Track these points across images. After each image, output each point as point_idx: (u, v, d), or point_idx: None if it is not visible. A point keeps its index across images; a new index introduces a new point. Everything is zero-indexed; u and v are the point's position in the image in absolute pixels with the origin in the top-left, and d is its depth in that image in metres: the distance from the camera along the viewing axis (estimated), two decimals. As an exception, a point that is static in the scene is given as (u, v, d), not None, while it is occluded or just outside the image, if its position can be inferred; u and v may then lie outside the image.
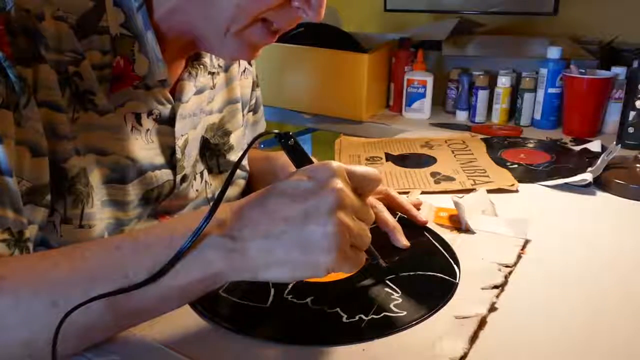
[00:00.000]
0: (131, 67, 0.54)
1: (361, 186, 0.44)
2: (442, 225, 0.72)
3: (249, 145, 0.47)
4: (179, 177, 0.63)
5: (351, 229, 0.41)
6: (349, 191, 0.42)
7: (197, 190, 0.68)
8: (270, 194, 0.43)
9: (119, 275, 0.41)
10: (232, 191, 0.75)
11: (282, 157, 0.79)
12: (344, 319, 0.50)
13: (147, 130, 0.59)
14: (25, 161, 0.47)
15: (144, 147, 0.59)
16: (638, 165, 0.89)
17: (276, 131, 0.47)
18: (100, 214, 0.56)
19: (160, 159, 0.61)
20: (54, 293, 0.40)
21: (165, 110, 0.60)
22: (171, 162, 0.62)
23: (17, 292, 0.40)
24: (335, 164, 0.43)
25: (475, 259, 0.62)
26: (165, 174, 0.61)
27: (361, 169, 0.45)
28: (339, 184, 0.42)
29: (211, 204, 0.42)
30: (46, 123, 0.49)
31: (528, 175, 0.93)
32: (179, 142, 0.62)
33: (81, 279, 0.41)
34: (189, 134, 0.64)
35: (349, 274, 0.57)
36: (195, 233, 0.41)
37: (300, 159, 0.47)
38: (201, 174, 0.69)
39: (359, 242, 0.43)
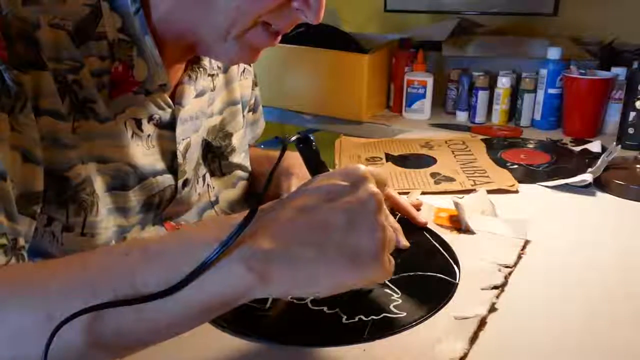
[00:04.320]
0: (130, 72, 0.54)
1: None
2: (442, 226, 0.72)
3: (280, 157, 0.41)
4: (180, 182, 0.63)
5: (389, 233, 0.39)
6: (382, 195, 0.40)
7: (199, 194, 0.68)
8: (303, 198, 0.39)
9: (126, 285, 0.35)
10: (233, 193, 0.75)
11: (285, 159, 0.78)
12: (344, 320, 0.50)
13: (148, 135, 0.58)
14: (16, 166, 0.47)
15: (145, 153, 0.58)
16: (638, 166, 0.89)
17: (297, 136, 0.45)
18: (106, 223, 0.55)
19: (161, 165, 0.60)
20: (49, 306, 0.35)
21: (166, 115, 0.60)
22: (172, 167, 0.62)
23: (5, 304, 0.35)
24: (363, 167, 0.41)
25: (475, 259, 0.62)
26: (166, 179, 0.61)
27: (375, 171, 0.43)
28: (374, 187, 0.39)
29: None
30: (48, 132, 0.49)
31: (528, 175, 0.93)
32: (180, 147, 0.62)
33: (81, 290, 0.35)
34: (191, 137, 0.64)
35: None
36: (226, 243, 0.35)
37: (317, 163, 0.46)
38: (203, 177, 0.69)
39: (390, 247, 0.41)
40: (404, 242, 0.64)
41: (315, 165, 0.46)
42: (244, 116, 0.76)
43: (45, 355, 0.33)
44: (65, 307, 0.34)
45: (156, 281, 0.35)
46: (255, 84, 0.81)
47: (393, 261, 0.40)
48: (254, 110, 0.82)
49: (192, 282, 0.34)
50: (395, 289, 0.55)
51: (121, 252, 0.38)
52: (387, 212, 0.42)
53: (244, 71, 0.76)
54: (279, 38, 0.56)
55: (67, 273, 0.37)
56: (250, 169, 0.78)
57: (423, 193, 0.84)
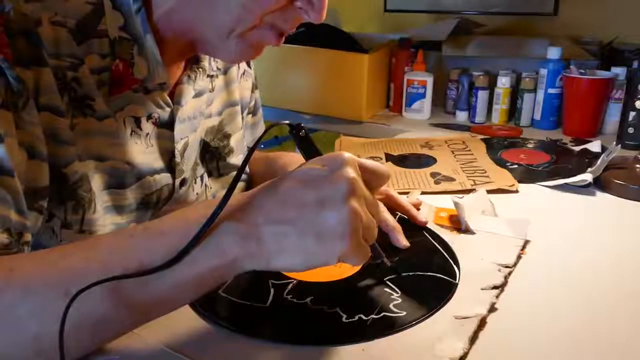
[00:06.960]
0: (130, 71, 0.54)
1: (370, 181, 0.44)
2: (442, 226, 0.72)
3: (260, 137, 0.46)
4: (178, 181, 0.63)
5: (363, 218, 0.41)
6: (361, 182, 0.43)
7: (197, 194, 0.68)
8: (283, 181, 0.42)
9: (134, 262, 0.39)
10: None
11: (281, 158, 0.79)
12: (344, 319, 0.50)
13: (147, 134, 0.58)
14: (22, 163, 0.47)
15: (143, 152, 0.58)
16: (638, 165, 0.89)
17: (288, 122, 0.47)
18: (103, 220, 0.55)
19: (159, 163, 0.60)
20: (66, 283, 0.38)
21: (165, 114, 0.60)
22: (170, 165, 0.62)
23: (27, 283, 0.39)
24: (347, 154, 0.43)
25: (475, 259, 0.62)
26: (164, 178, 0.61)
27: (372, 163, 0.45)
28: (352, 173, 0.42)
29: (224, 191, 0.41)
30: (48, 127, 0.49)
31: (528, 175, 0.93)
32: (178, 146, 0.62)
33: (94, 267, 0.39)
34: (189, 137, 0.64)
35: (350, 273, 0.57)
36: (212, 217, 0.40)
37: (310, 149, 0.47)
38: (201, 177, 0.69)
39: (368, 234, 0.43)
40: (404, 242, 0.63)
41: (308, 151, 0.47)
42: (243, 118, 0.76)
43: (63, 323, 0.36)
44: (82, 284, 0.37)
45: (160, 257, 0.39)
46: (255, 87, 0.81)
47: (365, 246, 0.42)
48: (253, 113, 0.82)
49: (187, 255, 0.39)
50: (395, 289, 0.55)
51: (127, 234, 0.42)
52: (370, 199, 0.43)
53: (244, 73, 0.76)
54: (283, 38, 0.56)
55: (81, 254, 0.41)
56: (249, 170, 0.78)
57: (423, 193, 0.84)
